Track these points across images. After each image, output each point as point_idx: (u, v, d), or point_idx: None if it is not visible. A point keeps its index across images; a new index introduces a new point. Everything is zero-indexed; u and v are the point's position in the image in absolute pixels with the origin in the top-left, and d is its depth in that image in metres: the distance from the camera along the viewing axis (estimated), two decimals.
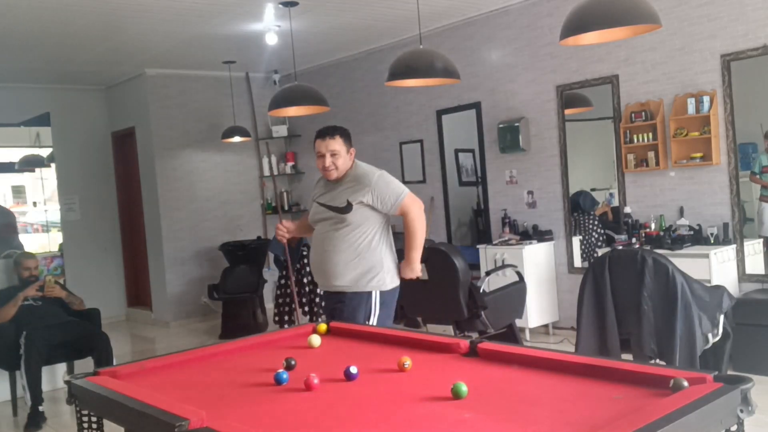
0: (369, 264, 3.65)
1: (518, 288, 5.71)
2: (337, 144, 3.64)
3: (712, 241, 5.34)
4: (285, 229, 3.96)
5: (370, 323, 3.62)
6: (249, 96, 9.27)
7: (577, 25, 3.26)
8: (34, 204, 9.78)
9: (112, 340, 5.43)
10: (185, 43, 7.18)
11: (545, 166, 6.56)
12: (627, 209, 5.93)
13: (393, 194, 3.65)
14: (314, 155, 3.76)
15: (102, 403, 2.30)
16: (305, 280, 7.01)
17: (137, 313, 9.33)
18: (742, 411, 1.84)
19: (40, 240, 9.54)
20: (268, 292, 8.28)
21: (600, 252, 5.77)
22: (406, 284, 5.64)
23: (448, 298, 5.17)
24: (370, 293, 3.67)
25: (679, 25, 5.51)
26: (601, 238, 6.39)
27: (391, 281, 3.74)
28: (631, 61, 5.85)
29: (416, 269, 3.81)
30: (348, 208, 3.60)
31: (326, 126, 3.79)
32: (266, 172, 9.20)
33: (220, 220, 8.96)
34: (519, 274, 5.83)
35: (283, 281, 7.11)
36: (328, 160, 3.62)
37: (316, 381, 2.29)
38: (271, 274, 8.34)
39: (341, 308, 3.63)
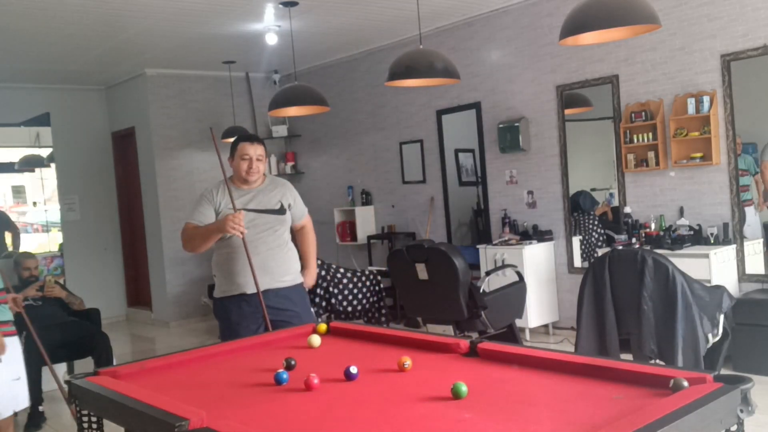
0: (296, 258, 3.90)
1: (518, 288, 5.71)
2: (261, 150, 3.75)
3: (712, 241, 5.34)
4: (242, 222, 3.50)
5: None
6: (249, 96, 9.27)
7: (577, 25, 3.26)
8: (34, 204, 9.78)
9: (112, 340, 5.44)
10: (185, 43, 7.18)
11: (545, 166, 6.56)
12: (627, 209, 5.92)
13: (302, 203, 3.98)
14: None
15: (102, 403, 2.30)
16: None
17: (137, 313, 9.34)
18: (742, 411, 1.84)
19: (40, 240, 9.54)
20: None
21: (600, 252, 5.77)
22: (406, 284, 5.64)
23: (448, 298, 5.18)
24: (301, 283, 3.89)
25: (679, 25, 5.51)
26: (601, 238, 6.39)
27: None
28: (631, 61, 5.85)
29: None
30: (283, 210, 3.80)
31: (248, 133, 3.86)
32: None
33: None
34: (519, 274, 5.83)
35: None
36: (255, 164, 3.72)
37: (316, 381, 2.29)
38: None
39: (290, 305, 3.72)
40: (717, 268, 5.13)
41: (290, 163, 9.37)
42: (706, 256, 5.11)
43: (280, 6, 6.01)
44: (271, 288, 3.68)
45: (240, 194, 3.72)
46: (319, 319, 5.35)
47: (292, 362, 2.53)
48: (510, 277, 5.93)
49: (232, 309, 3.71)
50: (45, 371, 5.21)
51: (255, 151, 3.71)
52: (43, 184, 9.49)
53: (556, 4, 6.22)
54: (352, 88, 8.47)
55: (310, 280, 3.97)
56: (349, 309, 6.17)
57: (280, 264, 3.73)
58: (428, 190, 7.72)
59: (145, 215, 8.90)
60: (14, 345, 4.05)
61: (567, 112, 6.39)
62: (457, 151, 7.50)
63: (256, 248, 3.63)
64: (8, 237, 8.57)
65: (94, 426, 2.36)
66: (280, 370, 2.41)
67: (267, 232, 3.71)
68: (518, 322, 5.83)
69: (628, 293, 4.34)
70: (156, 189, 8.58)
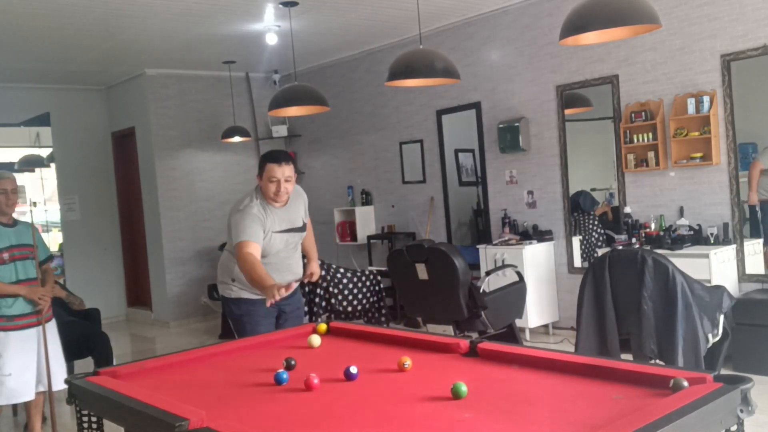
0: None
1: (518, 288, 5.71)
2: (289, 171, 3.62)
3: (712, 241, 5.34)
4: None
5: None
6: (249, 96, 9.27)
7: (577, 25, 3.26)
8: (34, 204, 9.77)
9: (112, 340, 5.43)
10: (185, 43, 7.18)
11: (545, 166, 6.56)
12: (627, 209, 5.92)
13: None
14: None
15: (102, 403, 2.30)
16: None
17: (137, 313, 9.34)
18: (742, 411, 1.84)
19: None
20: None
21: (600, 252, 5.77)
22: (406, 284, 5.63)
23: (448, 298, 5.18)
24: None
25: (679, 25, 5.51)
26: (601, 238, 6.39)
27: None
28: (631, 61, 5.85)
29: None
30: (305, 227, 3.90)
31: (277, 151, 3.77)
32: None
33: (220, 220, 8.95)
34: (519, 274, 5.83)
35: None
36: (283, 186, 3.61)
37: (316, 381, 2.29)
38: None
39: (298, 302, 3.99)
40: (717, 268, 5.13)
41: None
42: (706, 256, 5.11)
43: (280, 6, 6.01)
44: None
45: (273, 212, 3.67)
46: (319, 319, 5.35)
47: (292, 362, 2.53)
48: (510, 277, 5.92)
49: (256, 309, 3.70)
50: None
51: (283, 173, 3.58)
52: (43, 184, 9.48)
53: (556, 4, 6.22)
54: (352, 88, 8.47)
55: (317, 268, 3.98)
56: (349, 309, 6.17)
57: (300, 269, 3.92)
58: (428, 190, 7.72)
59: (145, 215, 8.90)
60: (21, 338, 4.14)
61: (567, 112, 6.39)
62: (457, 151, 7.50)
63: (289, 266, 3.78)
64: None
65: (94, 426, 2.36)
66: (280, 370, 2.41)
67: (295, 247, 3.87)
68: (518, 322, 5.83)
69: (628, 293, 4.34)
70: (156, 189, 8.58)
